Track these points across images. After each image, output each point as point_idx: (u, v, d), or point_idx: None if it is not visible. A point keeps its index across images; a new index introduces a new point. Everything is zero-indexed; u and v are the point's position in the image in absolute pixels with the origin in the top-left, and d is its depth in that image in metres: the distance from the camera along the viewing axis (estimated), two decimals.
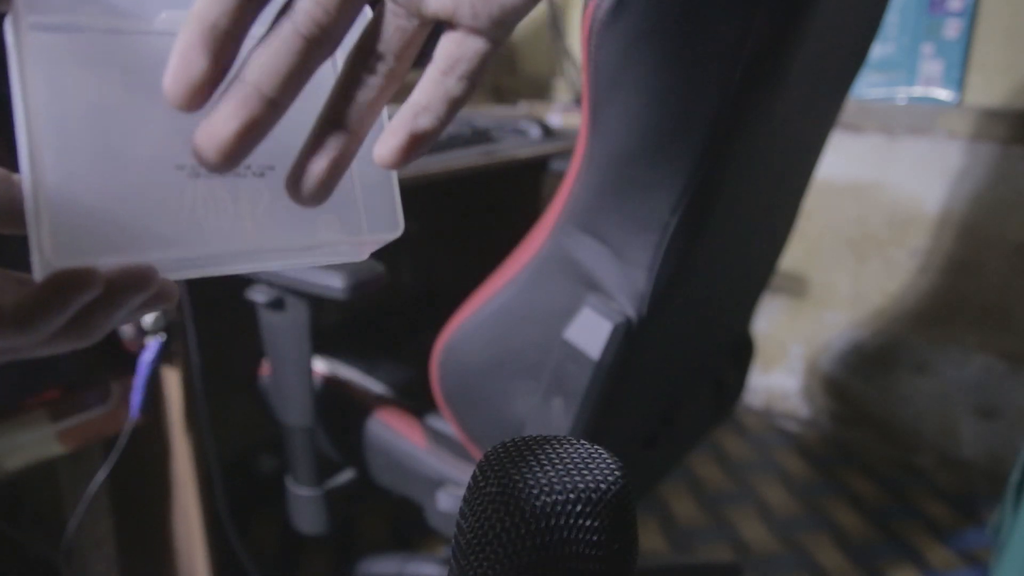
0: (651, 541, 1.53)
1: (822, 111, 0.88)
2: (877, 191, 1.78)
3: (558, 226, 0.78)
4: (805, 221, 1.85)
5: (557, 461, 0.26)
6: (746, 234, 0.88)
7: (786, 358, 2.01)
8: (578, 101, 1.89)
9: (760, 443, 1.91)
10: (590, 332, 0.78)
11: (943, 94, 1.64)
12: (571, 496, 0.24)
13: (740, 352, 1.16)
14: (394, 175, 0.31)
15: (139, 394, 0.93)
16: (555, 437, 0.27)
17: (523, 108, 1.82)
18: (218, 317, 1.09)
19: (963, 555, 1.52)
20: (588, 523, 0.24)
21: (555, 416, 0.82)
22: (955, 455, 1.77)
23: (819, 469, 1.81)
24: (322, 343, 1.13)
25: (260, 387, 1.10)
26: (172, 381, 0.96)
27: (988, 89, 1.61)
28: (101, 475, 0.95)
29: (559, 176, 1.40)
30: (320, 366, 1.11)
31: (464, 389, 0.91)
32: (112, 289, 0.25)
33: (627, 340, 0.77)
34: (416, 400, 1.05)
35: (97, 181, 0.24)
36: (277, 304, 0.91)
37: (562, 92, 2.04)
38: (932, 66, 1.64)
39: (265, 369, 1.08)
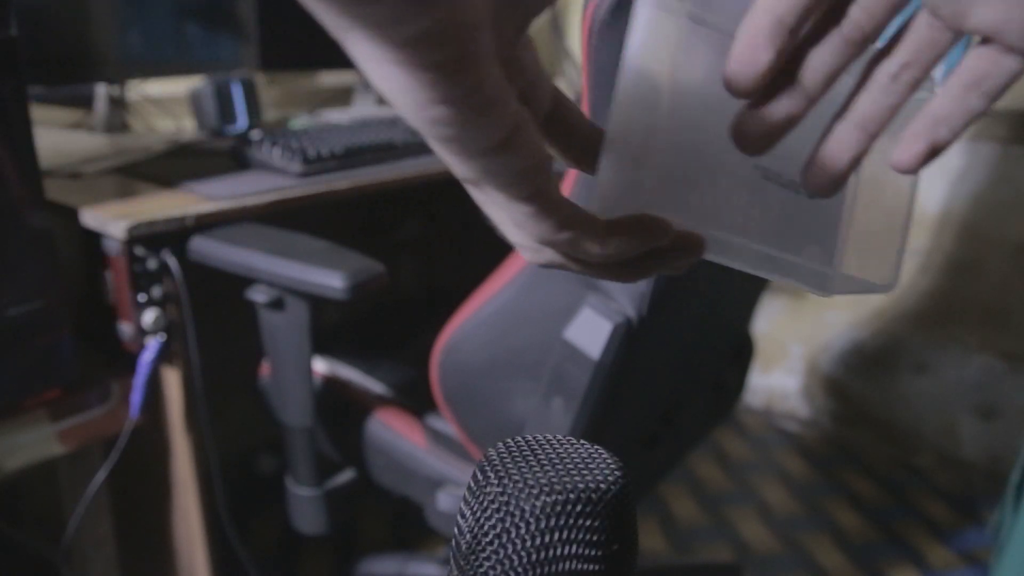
0: (651, 541, 1.53)
1: None
2: None
3: None
4: None
5: (557, 461, 0.26)
6: None
7: (786, 358, 2.01)
8: (578, 101, 1.89)
9: (760, 443, 1.91)
10: (590, 332, 0.78)
11: None
12: (571, 496, 0.24)
13: (740, 352, 1.16)
14: (906, 228, 0.32)
15: (139, 394, 0.93)
16: (555, 437, 0.27)
17: None
18: (218, 317, 1.09)
19: (963, 555, 1.52)
20: (588, 523, 0.24)
21: (555, 416, 0.82)
22: (955, 455, 1.77)
23: (819, 469, 1.81)
24: (322, 343, 1.13)
25: (260, 387, 1.10)
26: (172, 381, 0.96)
27: None
28: (101, 475, 0.95)
29: (559, 176, 1.40)
30: (320, 366, 1.11)
31: (464, 389, 0.91)
32: (672, 245, 0.28)
33: (627, 340, 0.77)
34: (416, 400, 1.05)
35: (688, 151, 0.28)
36: (277, 304, 0.91)
37: None
38: None
39: (265, 369, 1.08)
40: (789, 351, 1.99)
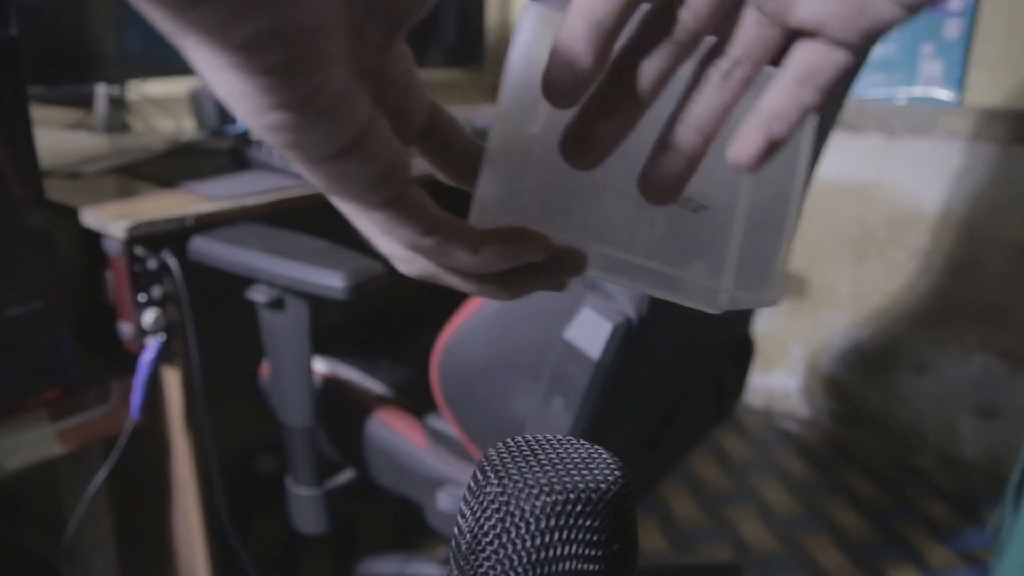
0: (651, 541, 1.53)
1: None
2: (877, 191, 1.78)
3: None
4: (805, 222, 1.85)
5: (557, 461, 0.26)
6: None
7: (786, 358, 2.01)
8: None
9: (760, 443, 1.91)
10: (590, 332, 0.78)
11: (943, 94, 1.64)
12: (571, 496, 0.24)
13: (740, 352, 1.16)
14: (786, 242, 0.31)
15: (139, 394, 0.93)
16: (555, 437, 0.27)
17: None
18: (218, 317, 1.09)
19: (963, 555, 1.52)
20: (588, 523, 0.24)
21: (555, 416, 0.82)
22: (955, 455, 1.77)
23: (819, 469, 1.81)
24: (322, 343, 1.13)
25: (260, 387, 1.10)
26: (172, 381, 0.96)
27: (988, 89, 1.61)
28: (101, 475, 0.95)
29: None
30: (320, 366, 1.11)
31: (464, 389, 0.91)
32: (551, 261, 0.28)
33: (627, 340, 0.77)
34: (416, 400, 1.05)
35: (567, 165, 0.26)
36: (277, 304, 0.91)
37: None
38: (932, 66, 1.64)
39: (265, 369, 1.08)
40: (789, 351, 1.99)
